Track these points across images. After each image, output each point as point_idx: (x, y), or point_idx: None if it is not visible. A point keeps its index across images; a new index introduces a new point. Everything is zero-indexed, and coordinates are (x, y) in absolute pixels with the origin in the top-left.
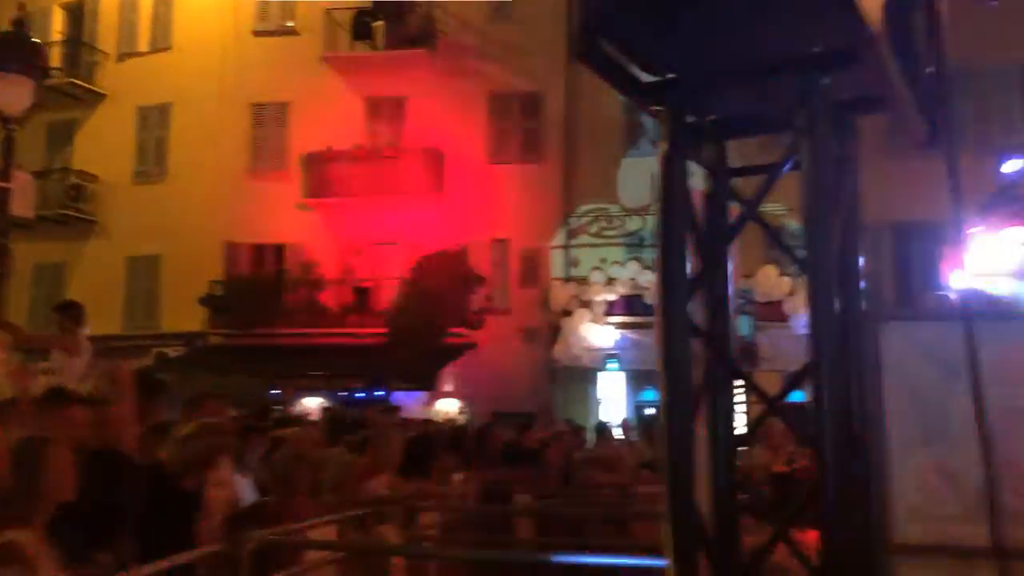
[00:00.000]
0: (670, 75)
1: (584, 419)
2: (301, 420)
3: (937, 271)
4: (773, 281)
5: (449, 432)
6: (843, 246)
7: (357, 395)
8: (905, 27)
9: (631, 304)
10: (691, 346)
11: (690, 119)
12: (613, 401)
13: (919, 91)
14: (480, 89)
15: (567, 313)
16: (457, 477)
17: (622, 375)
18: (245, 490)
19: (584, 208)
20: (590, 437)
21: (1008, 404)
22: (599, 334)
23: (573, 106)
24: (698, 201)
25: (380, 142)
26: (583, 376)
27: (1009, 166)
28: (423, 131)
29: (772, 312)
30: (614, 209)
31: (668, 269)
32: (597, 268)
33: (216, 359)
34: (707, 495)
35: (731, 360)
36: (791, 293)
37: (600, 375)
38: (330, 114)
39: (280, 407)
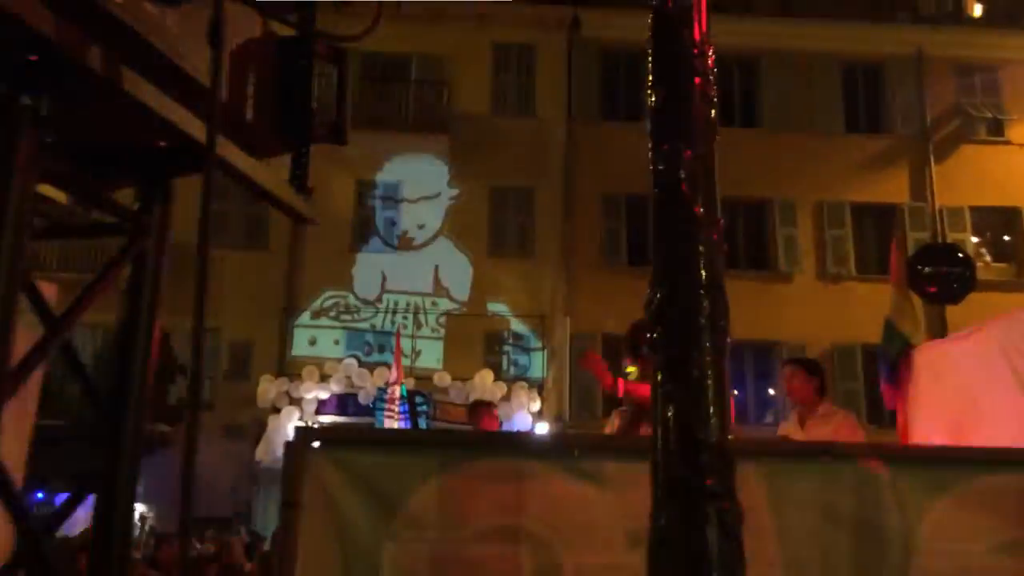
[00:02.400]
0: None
1: None
2: None
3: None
4: (488, 385)
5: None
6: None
7: None
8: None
9: (344, 403)
10: None
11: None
12: None
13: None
14: None
15: (276, 410)
16: None
17: None
18: None
19: (327, 294)
20: None
21: (449, 549)
22: None
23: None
24: None
25: None
26: None
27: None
28: None
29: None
30: (351, 299)
31: None
32: (311, 365)
33: None
34: None
35: None
36: (506, 397)
37: None
38: None
39: None
